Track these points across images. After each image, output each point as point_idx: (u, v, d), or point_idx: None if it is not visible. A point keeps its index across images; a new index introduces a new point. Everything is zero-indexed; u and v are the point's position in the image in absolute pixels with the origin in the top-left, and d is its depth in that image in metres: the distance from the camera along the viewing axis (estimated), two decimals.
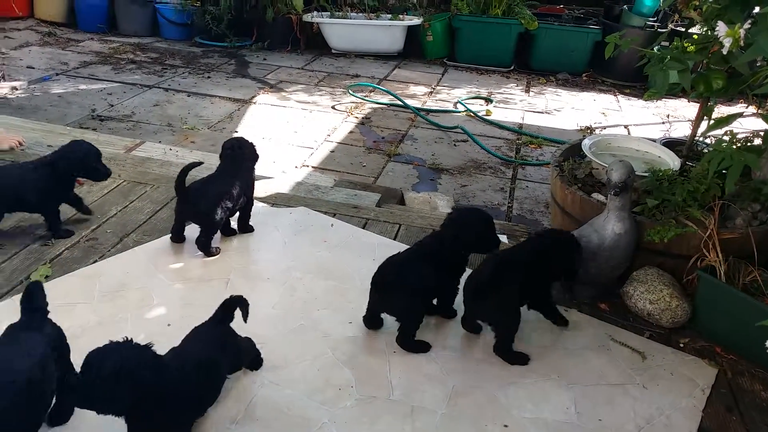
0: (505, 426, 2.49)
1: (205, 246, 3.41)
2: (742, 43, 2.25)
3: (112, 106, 6.52)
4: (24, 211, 3.45)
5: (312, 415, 2.44)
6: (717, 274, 3.03)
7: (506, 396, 2.64)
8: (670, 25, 7.42)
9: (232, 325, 2.44)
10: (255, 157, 3.62)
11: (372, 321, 2.95)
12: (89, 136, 5.20)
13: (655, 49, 3.31)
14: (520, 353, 2.86)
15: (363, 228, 3.87)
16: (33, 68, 7.52)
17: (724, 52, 2.34)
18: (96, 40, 9.17)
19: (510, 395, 2.65)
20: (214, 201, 3.34)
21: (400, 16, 9.18)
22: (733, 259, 3.07)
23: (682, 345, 3.05)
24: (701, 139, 3.83)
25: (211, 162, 4.95)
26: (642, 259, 3.30)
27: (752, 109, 5.62)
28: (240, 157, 3.50)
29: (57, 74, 7.42)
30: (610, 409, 2.62)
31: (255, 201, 3.87)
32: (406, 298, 2.78)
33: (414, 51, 9.47)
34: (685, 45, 3.21)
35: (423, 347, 2.85)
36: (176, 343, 2.74)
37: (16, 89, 6.70)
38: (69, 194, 3.51)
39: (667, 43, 3.57)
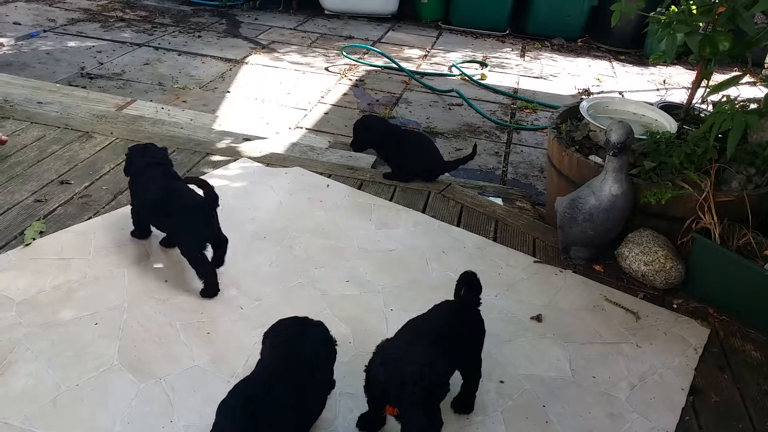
0: (501, 382, 2.52)
1: None
2: None
3: (102, 64, 6.39)
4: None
5: None
6: (711, 236, 3.06)
7: (502, 353, 2.67)
8: None
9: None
10: None
11: None
12: (79, 93, 5.11)
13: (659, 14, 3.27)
14: None
15: (359, 189, 3.85)
16: (20, 24, 7.34)
17: None
18: None
19: (506, 353, 2.68)
20: None
21: None
22: (727, 222, 3.10)
23: (675, 306, 3.09)
24: (698, 103, 3.82)
25: (204, 121, 4.93)
26: (637, 221, 3.32)
27: (748, 78, 5.59)
28: None
29: (44, 31, 7.24)
30: (604, 366, 2.66)
31: (248, 161, 3.82)
32: None
33: (408, 13, 9.32)
34: (691, 7, 3.17)
35: None
36: (176, 299, 2.76)
37: (3, 46, 6.54)
38: None
39: (663, 9, 3.54)
